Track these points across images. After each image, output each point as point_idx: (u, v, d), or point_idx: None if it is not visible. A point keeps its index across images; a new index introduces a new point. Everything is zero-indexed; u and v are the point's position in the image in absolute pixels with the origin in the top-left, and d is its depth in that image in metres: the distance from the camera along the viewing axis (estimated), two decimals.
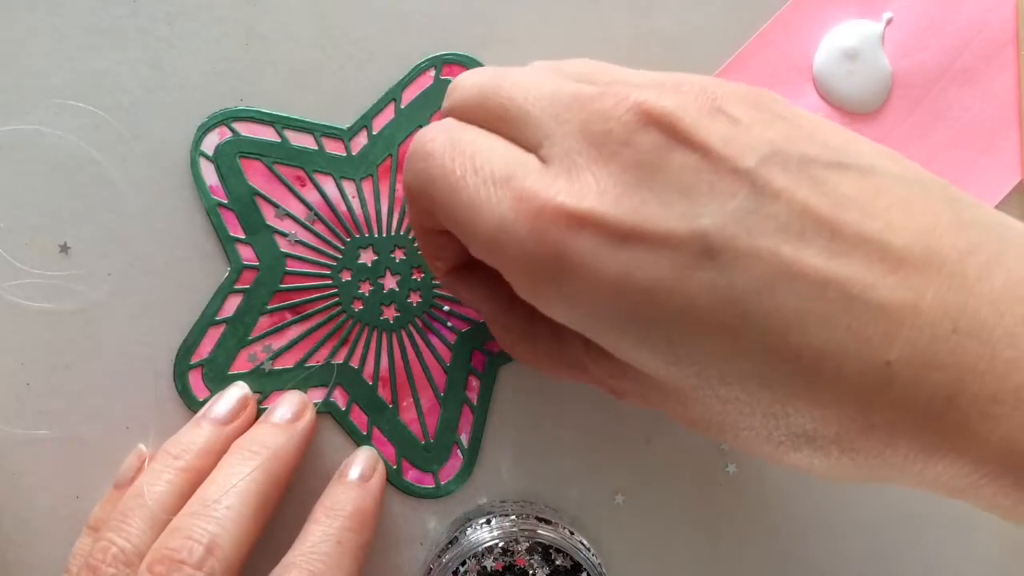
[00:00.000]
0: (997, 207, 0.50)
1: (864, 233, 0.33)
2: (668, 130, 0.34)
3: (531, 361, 0.44)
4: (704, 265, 0.33)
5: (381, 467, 0.49)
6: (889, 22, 0.50)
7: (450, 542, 0.47)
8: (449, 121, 0.40)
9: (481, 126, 0.39)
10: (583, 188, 0.34)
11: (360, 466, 0.48)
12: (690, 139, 0.34)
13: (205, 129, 0.48)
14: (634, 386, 0.39)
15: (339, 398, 0.50)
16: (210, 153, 0.48)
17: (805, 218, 0.33)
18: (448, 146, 0.38)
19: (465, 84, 0.41)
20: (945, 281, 0.33)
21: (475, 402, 0.50)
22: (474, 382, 0.50)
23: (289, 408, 0.48)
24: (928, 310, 0.32)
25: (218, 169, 0.48)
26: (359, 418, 0.50)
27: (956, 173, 0.50)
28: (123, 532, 0.42)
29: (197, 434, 0.46)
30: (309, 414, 0.48)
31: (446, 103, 0.42)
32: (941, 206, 0.34)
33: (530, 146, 0.37)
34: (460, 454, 0.50)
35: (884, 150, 0.36)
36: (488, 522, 0.47)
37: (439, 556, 0.47)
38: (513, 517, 0.47)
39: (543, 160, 0.36)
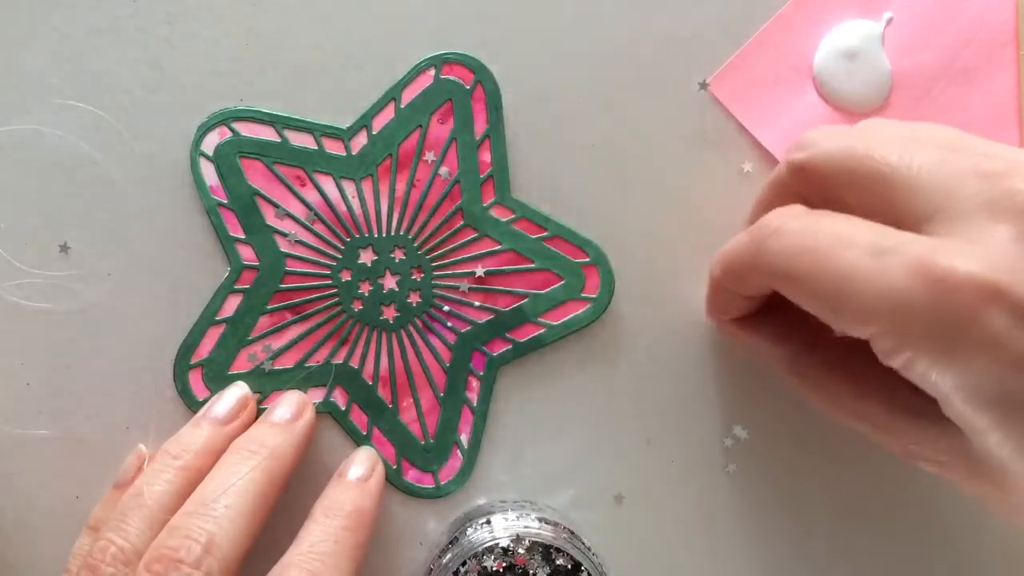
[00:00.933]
0: None
1: None
2: None
3: (823, 406, 0.44)
4: None
5: (380, 467, 0.49)
6: (889, 22, 0.50)
7: (450, 542, 0.47)
8: (797, 208, 0.40)
9: (841, 188, 0.39)
10: (992, 258, 0.33)
11: (359, 466, 0.48)
12: None
13: (205, 129, 0.48)
14: (946, 457, 0.38)
15: (339, 398, 0.50)
16: (210, 153, 0.48)
17: None
18: (805, 225, 0.38)
19: (825, 141, 0.40)
20: None
21: (475, 402, 0.50)
22: (474, 382, 0.50)
23: (288, 408, 0.48)
24: None
25: (218, 169, 0.48)
26: (359, 418, 0.50)
27: None
28: (122, 532, 0.42)
29: (197, 434, 0.46)
30: (309, 414, 0.48)
31: (797, 157, 0.41)
32: None
33: (915, 217, 0.36)
34: (460, 454, 0.50)
35: None
36: (488, 522, 0.47)
37: (439, 556, 0.47)
38: (513, 517, 0.47)
39: (935, 234, 0.35)
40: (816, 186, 0.40)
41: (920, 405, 0.38)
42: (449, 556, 0.46)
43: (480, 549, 0.45)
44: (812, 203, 0.40)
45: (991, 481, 0.36)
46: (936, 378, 0.34)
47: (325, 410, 0.49)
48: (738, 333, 0.47)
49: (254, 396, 0.49)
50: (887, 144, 0.38)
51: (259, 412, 0.49)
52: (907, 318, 0.34)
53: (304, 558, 0.43)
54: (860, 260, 0.35)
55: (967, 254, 0.33)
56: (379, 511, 0.48)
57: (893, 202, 0.37)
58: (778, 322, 0.44)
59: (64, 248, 0.49)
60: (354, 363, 0.49)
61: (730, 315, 0.46)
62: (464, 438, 0.50)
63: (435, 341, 0.50)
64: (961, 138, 0.39)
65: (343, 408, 0.50)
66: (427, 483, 0.50)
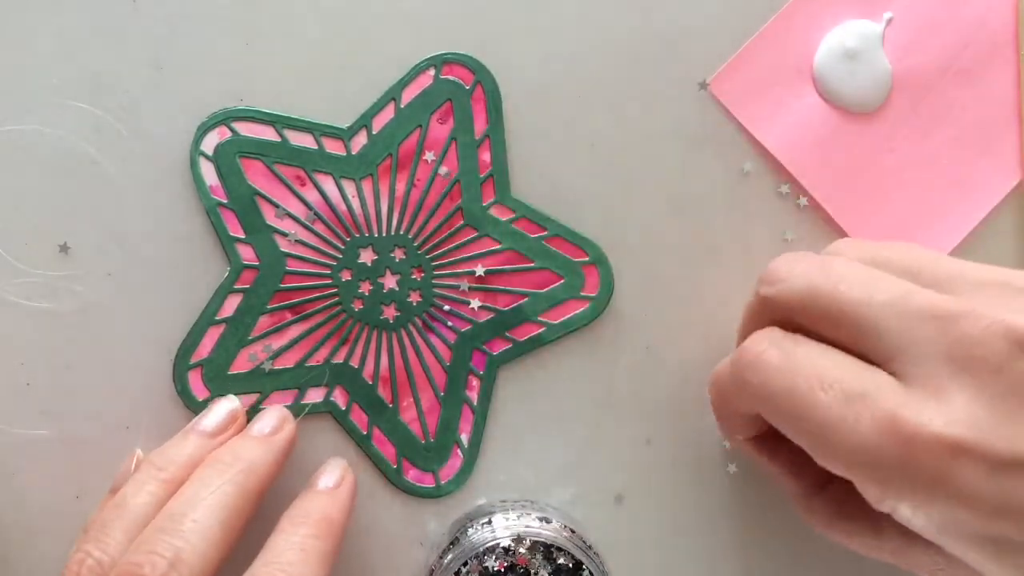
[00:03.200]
0: (997, 207, 0.50)
1: None
2: None
3: (842, 542, 0.45)
4: None
5: (351, 477, 0.48)
6: (889, 22, 0.50)
7: (451, 543, 0.47)
8: (775, 332, 0.41)
9: (808, 326, 0.40)
10: (955, 414, 0.35)
11: (328, 475, 0.47)
12: None
13: (205, 129, 0.48)
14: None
15: (339, 398, 0.50)
16: (210, 153, 0.48)
17: None
18: (784, 359, 0.39)
19: (791, 277, 0.41)
20: None
21: (475, 402, 0.50)
22: (474, 381, 0.50)
23: (268, 422, 0.47)
24: None
25: (218, 169, 0.48)
26: (359, 418, 0.50)
27: (956, 173, 0.50)
28: (101, 543, 0.41)
29: (183, 446, 0.46)
30: (288, 428, 0.47)
31: (764, 291, 0.42)
32: None
33: (880, 356, 0.37)
34: (460, 453, 0.50)
35: None
36: (489, 522, 0.47)
37: (440, 557, 0.47)
38: (514, 517, 0.47)
39: (897, 376, 0.37)
40: (788, 316, 0.41)
41: None
42: (450, 556, 0.46)
43: (481, 549, 0.45)
44: (788, 327, 0.41)
45: None
46: (921, 524, 0.36)
47: (325, 410, 0.50)
48: (755, 455, 0.46)
49: (243, 411, 0.48)
50: (851, 277, 0.39)
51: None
52: (882, 472, 0.36)
53: (268, 568, 0.41)
54: (834, 407, 0.37)
55: (932, 410, 0.35)
56: (348, 520, 0.46)
57: (858, 339, 0.38)
58: (794, 450, 0.44)
59: (64, 248, 0.49)
60: (354, 363, 0.49)
61: (740, 434, 0.46)
62: (464, 437, 0.50)
63: (435, 340, 0.50)
64: (922, 261, 0.40)
65: (343, 408, 0.50)
66: (427, 483, 0.50)
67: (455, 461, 0.50)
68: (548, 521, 0.47)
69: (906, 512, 0.36)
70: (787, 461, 0.45)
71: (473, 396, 0.50)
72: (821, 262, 0.41)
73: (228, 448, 0.45)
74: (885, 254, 0.41)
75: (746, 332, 0.43)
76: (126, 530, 0.42)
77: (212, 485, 0.43)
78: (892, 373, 0.37)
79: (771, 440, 0.45)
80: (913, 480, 0.35)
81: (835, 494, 0.44)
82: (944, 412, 0.35)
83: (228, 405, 0.48)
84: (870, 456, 0.36)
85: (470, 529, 0.47)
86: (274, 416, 0.48)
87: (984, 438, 0.34)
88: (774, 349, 0.40)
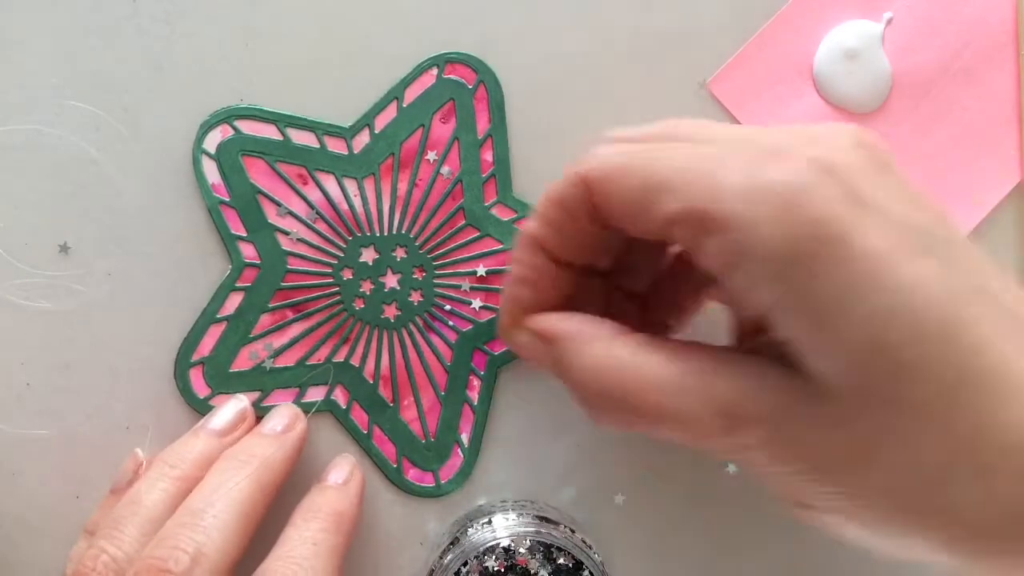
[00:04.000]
0: (997, 207, 0.50)
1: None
2: (886, 154, 0.37)
3: (634, 402, 0.40)
4: (928, 255, 0.34)
5: (359, 473, 0.49)
6: (889, 22, 0.50)
7: (451, 542, 0.47)
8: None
9: (618, 200, 0.39)
10: (828, 152, 0.35)
11: (339, 471, 0.48)
12: (899, 172, 0.37)
13: (207, 127, 0.48)
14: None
15: (340, 397, 0.50)
16: (212, 151, 0.48)
17: (989, 263, 0.35)
18: (644, 142, 0.39)
19: (608, 155, 0.40)
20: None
21: (476, 401, 0.50)
22: (475, 381, 0.50)
23: (280, 420, 0.48)
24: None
25: (220, 167, 0.48)
26: (360, 417, 0.50)
27: (956, 173, 0.50)
28: (115, 540, 0.42)
29: (194, 444, 0.46)
30: (300, 425, 0.48)
31: (579, 167, 0.40)
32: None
33: None
34: (461, 453, 0.50)
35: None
36: (489, 522, 0.47)
37: (441, 557, 0.47)
38: (514, 517, 0.47)
39: None
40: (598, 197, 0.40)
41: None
42: (451, 556, 0.46)
43: (481, 549, 0.45)
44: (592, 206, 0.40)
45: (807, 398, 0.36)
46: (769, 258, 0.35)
47: (326, 409, 0.50)
48: (534, 337, 0.43)
49: (252, 410, 0.49)
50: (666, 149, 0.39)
51: (260, 414, 0.49)
52: (751, 184, 0.35)
53: (283, 563, 0.43)
54: (701, 149, 0.37)
55: (808, 145, 0.35)
56: (359, 514, 0.48)
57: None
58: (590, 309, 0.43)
59: (64, 248, 0.49)
60: (355, 361, 0.49)
61: (539, 297, 0.43)
62: (465, 437, 0.50)
63: (436, 340, 0.50)
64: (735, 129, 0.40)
65: (344, 407, 0.50)
66: (428, 482, 0.50)
67: (455, 461, 0.50)
68: (548, 521, 0.47)
69: (758, 254, 0.35)
70: (583, 319, 0.41)
71: (474, 396, 0.50)
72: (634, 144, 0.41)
73: (243, 446, 0.46)
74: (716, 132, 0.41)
75: (543, 216, 0.42)
76: (140, 526, 0.43)
77: (230, 482, 0.44)
78: None
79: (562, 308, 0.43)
80: (778, 190, 0.34)
81: (641, 337, 0.40)
82: (819, 149, 0.35)
83: (237, 405, 0.48)
84: (741, 172, 0.35)
85: (470, 529, 0.47)
86: (286, 414, 0.48)
87: (852, 170, 0.35)
88: (626, 140, 0.40)
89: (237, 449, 0.46)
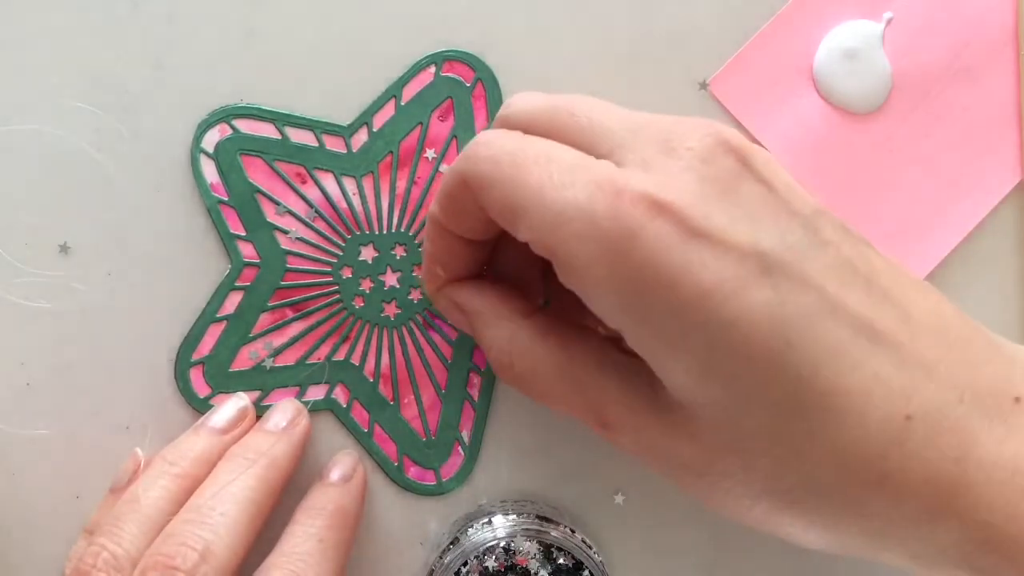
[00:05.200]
0: (997, 207, 0.50)
1: (893, 298, 0.37)
2: (743, 160, 0.37)
3: (528, 382, 0.44)
4: (761, 282, 0.35)
5: (362, 469, 0.49)
6: (889, 22, 0.50)
7: (452, 542, 0.47)
8: (514, 132, 0.41)
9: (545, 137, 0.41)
10: (662, 182, 0.36)
11: (340, 468, 0.48)
12: (761, 175, 0.38)
13: (206, 126, 0.48)
14: (634, 421, 0.41)
15: (340, 395, 0.49)
16: (211, 150, 0.48)
17: (847, 268, 0.37)
18: (518, 143, 0.40)
19: (531, 98, 0.42)
20: (956, 357, 0.37)
21: (476, 399, 0.50)
22: (475, 379, 0.50)
23: (283, 416, 0.48)
24: (940, 378, 0.36)
25: (219, 166, 0.48)
26: (360, 415, 0.50)
27: (956, 173, 0.50)
28: (115, 537, 0.42)
29: (194, 441, 0.46)
30: (304, 421, 0.48)
31: (505, 111, 0.43)
32: (946, 304, 0.39)
33: (602, 155, 0.39)
34: (461, 451, 0.50)
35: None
36: (489, 522, 0.47)
37: (441, 557, 0.47)
38: (514, 516, 0.47)
39: (618, 163, 0.38)
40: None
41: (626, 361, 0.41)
42: (451, 556, 0.46)
43: (481, 549, 0.45)
44: None
45: (678, 437, 0.39)
46: (610, 296, 0.38)
47: (326, 407, 0.49)
48: (457, 296, 0.46)
49: (253, 408, 0.49)
50: (593, 103, 0.42)
51: (261, 412, 0.49)
52: (588, 227, 0.36)
53: (287, 559, 0.43)
54: (555, 175, 0.38)
55: (642, 177, 0.37)
56: (362, 512, 0.48)
57: (588, 148, 0.39)
58: (502, 270, 0.47)
59: (64, 248, 0.49)
60: (355, 360, 0.49)
61: (449, 269, 0.46)
62: (465, 435, 0.50)
63: (436, 338, 0.50)
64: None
65: (344, 405, 0.49)
66: (428, 480, 0.50)
67: (456, 459, 0.50)
68: (548, 521, 0.47)
69: (605, 285, 0.37)
70: (493, 296, 0.45)
71: (474, 393, 0.50)
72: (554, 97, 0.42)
73: (247, 443, 0.46)
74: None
75: (440, 203, 0.43)
76: (140, 524, 0.43)
77: (236, 479, 0.44)
78: (616, 163, 0.38)
79: (474, 284, 0.46)
80: (617, 240, 0.36)
81: (541, 321, 0.43)
82: (652, 179, 0.37)
83: (238, 403, 0.48)
84: (578, 212, 0.36)
85: (470, 529, 0.47)
86: (289, 410, 0.48)
87: (683, 205, 0.36)
88: (509, 137, 0.40)
89: (242, 446, 0.46)
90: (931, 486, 0.36)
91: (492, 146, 0.40)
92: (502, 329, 0.43)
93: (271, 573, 0.42)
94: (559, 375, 0.42)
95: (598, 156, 0.39)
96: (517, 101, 0.42)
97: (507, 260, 0.47)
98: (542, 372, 0.42)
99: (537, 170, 0.38)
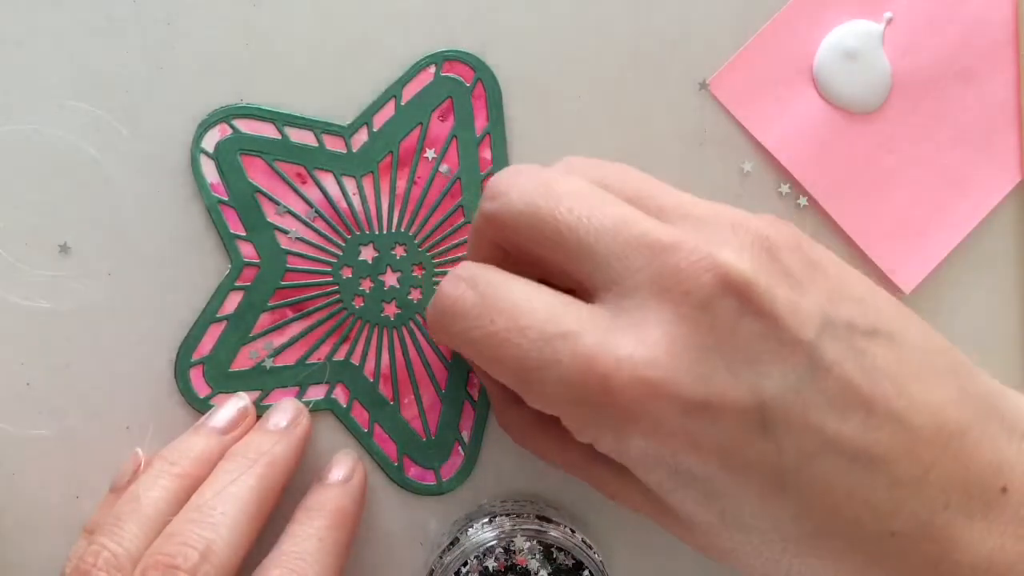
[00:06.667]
0: (997, 207, 0.50)
1: (893, 411, 0.37)
2: (743, 297, 0.36)
3: (534, 452, 0.47)
4: (761, 437, 0.36)
5: (361, 469, 0.49)
6: (889, 22, 0.50)
7: (451, 542, 0.47)
8: (473, 268, 0.41)
9: (529, 246, 0.40)
10: (654, 350, 0.36)
11: (339, 468, 0.48)
12: (762, 308, 0.36)
13: (206, 126, 0.48)
14: (642, 505, 0.43)
15: (340, 395, 0.49)
16: (211, 150, 0.48)
17: (848, 393, 0.36)
18: (481, 304, 0.40)
19: (511, 195, 0.41)
20: (951, 455, 0.37)
21: (476, 399, 0.50)
22: (475, 379, 0.50)
23: (284, 415, 0.48)
24: (930, 485, 0.37)
25: (219, 166, 0.48)
26: (360, 415, 0.50)
27: (956, 173, 0.50)
28: (115, 536, 0.42)
29: (195, 441, 0.46)
30: (304, 420, 0.48)
31: (487, 207, 0.41)
32: (949, 379, 0.38)
33: (592, 285, 0.38)
34: (461, 450, 0.50)
35: (900, 308, 0.40)
36: (489, 522, 0.47)
37: (441, 557, 0.47)
38: (514, 516, 0.47)
39: (608, 306, 0.38)
40: (509, 237, 0.41)
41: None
42: (451, 556, 0.46)
43: (481, 549, 0.45)
44: (511, 244, 0.42)
45: (680, 526, 0.41)
46: (620, 456, 0.39)
47: (326, 407, 0.49)
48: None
49: (253, 408, 0.49)
50: (572, 198, 0.39)
51: (261, 411, 0.49)
52: (582, 408, 0.37)
53: (287, 558, 0.43)
54: (533, 352, 0.38)
55: (631, 347, 0.36)
56: (361, 512, 0.48)
57: (576, 265, 0.39)
58: None
59: (64, 248, 0.49)
60: (355, 360, 0.49)
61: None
62: (466, 434, 0.50)
63: None
64: (644, 189, 0.41)
65: (344, 405, 0.49)
66: (429, 480, 0.50)
67: (456, 459, 0.50)
68: (548, 521, 0.47)
69: (606, 445, 0.38)
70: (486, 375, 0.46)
71: (474, 393, 0.50)
72: (545, 180, 0.41)
73: (248, 442, 0.46)
74: (611, 176, 0.42)
75: (473, 248, 0.44)
76: (140, 523, 0.43)
77: (237, 479, 0.44)
78: (604, 303, 0.38)
79: None
80: (611, 416, 0.36)
81: (531, 409, 0.43)
82: (642, 350, 0.36)
83: (238, 403, 0.48)
84: (571, 394, 0.37)
85: (470, 529, 0.47)
86: (289, 410, 0.48)
87: (678, 380, 0.35)
88: (470, 292, 0.40)
89: (243, 446, 0.46)
90: None
91: (457, 316, 0.40)
92: (509, 411, 0.47)
93: (271, 572, 0.42)
94: (560, 460, 0.45)
95: (580, 285, 0.39)
96: (501, 190, 0.41)
97: None
98: (541, 454, 0.46)
99: (516, 346, 0.38)
